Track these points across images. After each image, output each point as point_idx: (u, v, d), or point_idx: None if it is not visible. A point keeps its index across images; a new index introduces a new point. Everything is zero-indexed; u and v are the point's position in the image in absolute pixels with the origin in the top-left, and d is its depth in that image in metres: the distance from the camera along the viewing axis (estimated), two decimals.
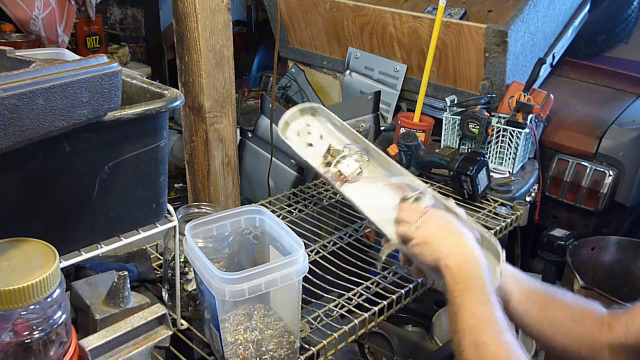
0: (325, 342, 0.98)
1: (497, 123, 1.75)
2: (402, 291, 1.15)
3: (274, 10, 2.43)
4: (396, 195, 1.13)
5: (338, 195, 1.51)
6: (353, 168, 1.19)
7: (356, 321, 1.04)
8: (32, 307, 0.64)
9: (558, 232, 1.88)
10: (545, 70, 2.16)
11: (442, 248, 0.94)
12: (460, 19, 2.16)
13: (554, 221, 2.05)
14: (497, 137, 1.76)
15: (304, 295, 1.02)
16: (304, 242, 0.92)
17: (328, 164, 1.21)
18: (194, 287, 1.04)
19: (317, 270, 1.18)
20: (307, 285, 1.10)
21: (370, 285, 1.17)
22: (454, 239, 0.95)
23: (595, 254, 1.89)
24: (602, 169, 1.91)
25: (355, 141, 1.23)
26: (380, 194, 1.17)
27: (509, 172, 1.78)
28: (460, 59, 1.95)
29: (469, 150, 1.77)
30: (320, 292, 1.14)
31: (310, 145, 1.25)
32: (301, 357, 0.96)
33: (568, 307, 1.02)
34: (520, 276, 1.05)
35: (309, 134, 1.26)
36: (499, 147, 1.78)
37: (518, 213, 1.50)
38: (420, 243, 0.97)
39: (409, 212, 1.01)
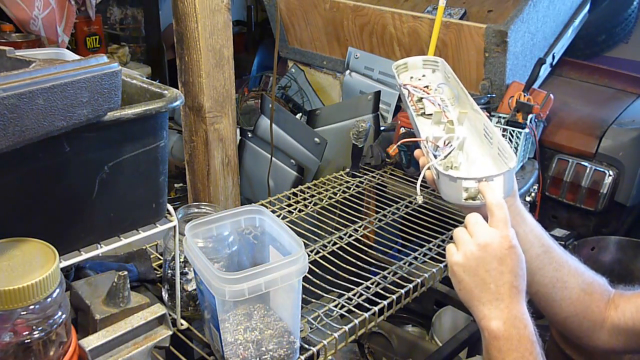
0: (325, 342, 0.98)
1: (497, 123, 1.75)
2: (402, 291, 1.15)
3: (274, 10, 2.43)
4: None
5: (338, 195, 1.51)
6: (434, 107, 1.19)
7: (356, 321, 1.04)
8: (32, 307, 0.64)
9: (558, 232, 1.88)
10: (545, 70, 2.16)
11: (489, 305, 0.83)
12: (460, 19, 2.16)
13: (554, 221, 2.05)
14: None
15: (304, 295, 1.02)
16: (304, 242, 0.92)
17: (419, 99, 1.23)
18: (194, 287, 1.04)
19: (317, 270, 1.18)
20: (307, 285, 1.10)
21: (370, 285, 1.17)
22: (508, 298, 0.83)
23: (595, 254, 1.89)
24: (602, 169, 1.91)
25: (452, 89, 1.26)
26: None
27: None
28: (460, 59, 1.95)
29: None
30: (320, 292, 1.14)
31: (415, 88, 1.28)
32: (301, 357, 0.96)
33: (581, 275, 0.98)
34: (541, 231, 0.99)
35: (419, 80, 1.32)
36: None
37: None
38: (467, 265, 0.85)
39: (476, 217, 0.88)
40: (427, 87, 1.26)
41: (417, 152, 1.10)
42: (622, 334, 0.95)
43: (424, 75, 1.33)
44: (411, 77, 1.33)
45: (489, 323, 0.82)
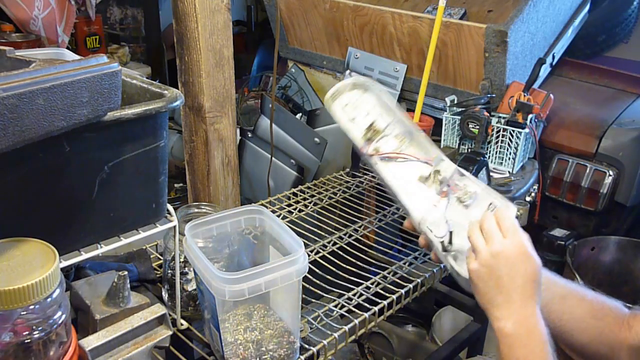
0: (325, 342, 0.98)
1: (497, 123, 1.75)
2: (402, 291, 1.15)
3: (274, 10, 2.43)
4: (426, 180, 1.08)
5: (338, 195, 1.51)
6: (392, 147, 1.14)
7: (356, 321, 1.04)
8: (32, 307, 0.64)
9: (558, 232, 1.88)
10: (545, 70, 2.16)
11: (501, 307, 0.86)
12: (460, 19, 2.16)
13: (554, 221, 2.05)
14: (497, 137, 1.76)
15: (304, 295, 1.02)
16: (304, 242, 0.92)
17: (368, 140, 1.16)
18: (194, 287, 1.04)
19: (317, 270, 1.18)
20: (307, 285, 1.10)
21: (370, 285, 1.17)
22: (519, 300, 0.86)
23: (595, 254, 1.89)
24: (602, 169, 1.91)
25: (401, 122, 1.18)
26: (413, 175, 1.11)
27: (508, 172, 1.78)
28: (460, 59, 1.95)
29: (469, 150, 1.77)
30: (320, 292, 1.14)
31: (353, 120, 1.21)
32: (301, 357, 0.96)
33: (589, 303, 0.99)
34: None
35: (355, 108, 1.22)
36: (498, 147, 1.78)
37: (518, 213, 1.50)
38: (481, 273, 0.89)
39: (490, 223, 0.91)
40: (372, 125, 1.18)
41: (406, 224, 1.09)
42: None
43: (356, 100, 1.23)
44: (346, 105, 1.23)
45: (500, 323, 0.86)
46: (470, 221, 0.96)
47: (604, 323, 0.97)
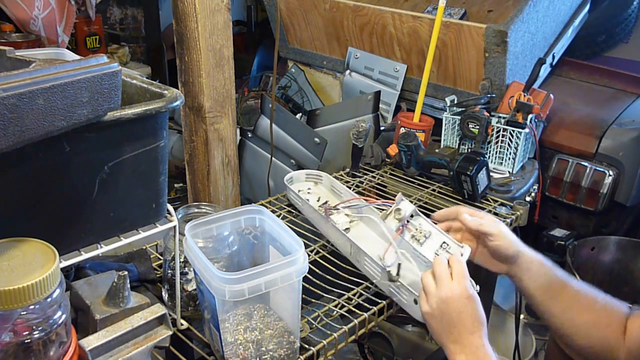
0: (325, 342, 0.98)
1: (497, 123, 1.75)
2: None
3: (274, 10, 2.43)
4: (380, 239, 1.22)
5: None
6: (343, 221, 1.28)
7: (356, 321, 1.05)
8: (32, 307, 0.64)
9: (558, 232, 1.88)
10: (545, 70, 2.15)
11: (454, 344, 0.97)
12: (460, 19, 2.16)
13: (554, 221, 2.05)
14: (497, 137, 1.76)
15: (304, 295, 1.02)
16: (304, 242, 0.92)
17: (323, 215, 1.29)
18: (194, 287, 1.04)
19: (317, 270, 1.18)
20: (307, 285, 1.10)
21: (370, 285, 1.17)
22: (469, 336, 0.96)
23: (595, 254, 1.89)
24: (602, 169, 1.91)
25: (351, 200, 1.33)
26: (368, 238, 1.25)
27: (508, 172, 1.78)
28: (460, 59, 1.95)
29: (469, 150, 1.77)
30: (320, 292, 1.14)
31: (308, 201, 1.37)
32: (301, 357, 0.96)
33: (594, 313, 1.03)
34: (550, 275, 1.08)
35: (308, 193, 1.41)
36: (498, 147, 1.78)
37: (518, 213, 1.50)
38: (435, 315, 0.99)
39: (441, 268, 1.01)
40: (325, 203, 1.33)
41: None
42: (636, 357, 0.96)
43: (309, 189, 1.43)
44: (299, 190, 1.41)
45: (455, 357, 0.96)
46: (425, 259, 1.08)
47: (607, 331, 1.01)
